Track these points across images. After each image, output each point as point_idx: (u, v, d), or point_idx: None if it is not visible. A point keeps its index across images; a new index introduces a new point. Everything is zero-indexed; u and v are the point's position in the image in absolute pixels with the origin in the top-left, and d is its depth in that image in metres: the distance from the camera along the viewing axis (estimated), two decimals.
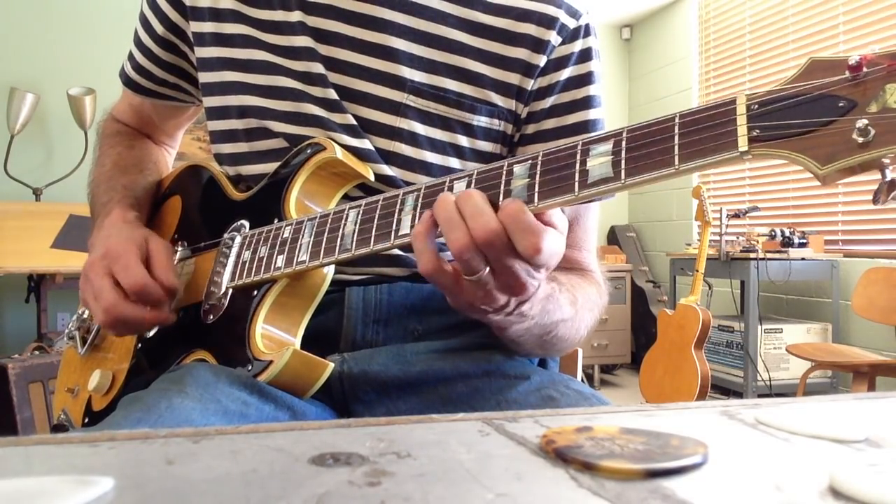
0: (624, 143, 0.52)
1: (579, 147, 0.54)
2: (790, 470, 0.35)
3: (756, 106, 0.47)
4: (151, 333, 0.81)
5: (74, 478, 0.31)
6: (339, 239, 0.66)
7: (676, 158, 0.49)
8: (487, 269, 0.55)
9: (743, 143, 0.46)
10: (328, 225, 0.67)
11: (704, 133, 0.48)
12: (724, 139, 0.47)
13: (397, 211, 0.62)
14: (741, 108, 0.47)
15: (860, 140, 0.43)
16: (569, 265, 0.81)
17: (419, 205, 0.61)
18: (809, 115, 0.45)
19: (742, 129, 0.47)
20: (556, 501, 0.31)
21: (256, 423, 0.49)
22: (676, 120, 0.50)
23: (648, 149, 0.50)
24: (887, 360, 2.80)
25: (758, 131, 0.46)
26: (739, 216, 3.61)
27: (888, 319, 2.86)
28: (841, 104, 0.44)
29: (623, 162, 0.51)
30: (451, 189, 0.60)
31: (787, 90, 0.46)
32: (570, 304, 0.71)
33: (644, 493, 0.31)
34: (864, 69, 0.43)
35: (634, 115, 5.29)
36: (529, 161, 0.56)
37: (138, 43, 0.91)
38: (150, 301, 0.73)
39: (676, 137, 0.49)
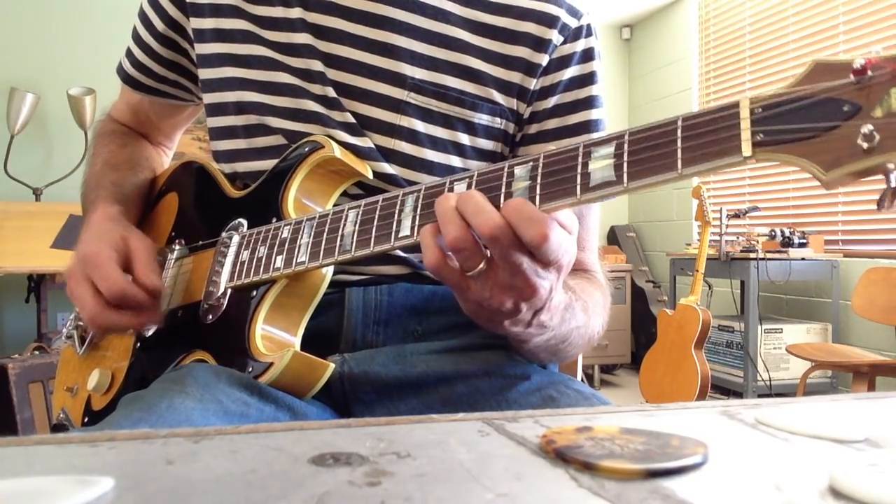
0: (626, 146, 0.51)
1: (581, 150, 0.53)
2: (790, 470, 0.35)
3: (760, 110, 0.46)
4: (150, 332, 0.81)
5: (74, 478, 0.31)
6: (338, 239, 0.65)
7: (679, 162, 0.48)
8: (484, 262, 0.54)
9: (747, 148, 0.46)
10: (327, 225, 0.67)
11: (707, 137, 0.47)
12: (728, 143, 0.47)
13: (397, 212, 0.62)
14: (745, 112, 0.46)
15: (865, 145, 0.42)
16: (574, 266, 0.82)
17: (419, 206, 0.61)
18: (814, 120, 0.44)
19: (746, 134, 0.46)
20: (556, 501, 0.31)
21: (256, 424, 0.49)
22: (679, 123, 0.49)
23: (651, 152, 0.50)
24: (887, 360, 2.81)
25: (761, 136, 0.45)
26: (739, 216, 3.61)
27: (888, 319, 2.86)
28: (845, 108, 0.43)
29: (625, 165, 0.51)
30: (451, 190, 0.59)
31: (791, 94, 0.45)
32: (582, 311, 0.70)
33: (644, 493, 0.31)
34: (869, 73, 0.42)
35: (634, 115, 5.29)
36: (531, 163, 0.56)
37: (137, 39, 0.91)
38: (133, 306, 0.71)
39: (679, 141, 0.49)
